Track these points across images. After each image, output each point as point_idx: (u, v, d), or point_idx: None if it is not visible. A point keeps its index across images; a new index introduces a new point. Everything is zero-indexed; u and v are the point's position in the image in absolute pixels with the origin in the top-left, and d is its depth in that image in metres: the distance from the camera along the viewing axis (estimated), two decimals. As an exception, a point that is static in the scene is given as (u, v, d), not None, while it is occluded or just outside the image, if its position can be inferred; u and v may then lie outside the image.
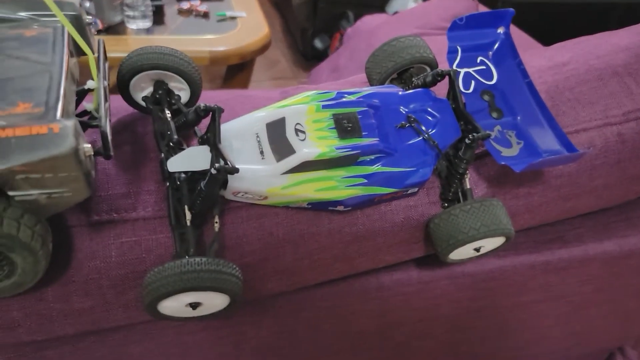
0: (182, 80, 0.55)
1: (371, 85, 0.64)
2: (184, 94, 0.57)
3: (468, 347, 0.78)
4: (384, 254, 0.58)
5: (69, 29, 0.47)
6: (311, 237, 0.54)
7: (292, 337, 0.66)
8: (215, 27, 1.58)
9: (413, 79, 0.61)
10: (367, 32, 1.30)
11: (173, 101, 0.56)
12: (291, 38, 2.43)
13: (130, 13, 1.47)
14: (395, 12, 1.85)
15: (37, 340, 0.51)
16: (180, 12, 1.61)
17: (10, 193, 0.39)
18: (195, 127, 0.54)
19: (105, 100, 0.48)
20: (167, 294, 0.45)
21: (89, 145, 0.41)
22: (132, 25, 1.49)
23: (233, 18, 1.62)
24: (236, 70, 1.70)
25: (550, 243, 0.69)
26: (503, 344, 0.80)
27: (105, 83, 0.50)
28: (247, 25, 1.61)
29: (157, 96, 0.55)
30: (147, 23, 1.50)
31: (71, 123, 0.40)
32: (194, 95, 0.57)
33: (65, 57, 0.47)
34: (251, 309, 0.60)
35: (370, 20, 1.37)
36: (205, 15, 1.62)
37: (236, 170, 0.48)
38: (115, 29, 1.47)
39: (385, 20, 1.35)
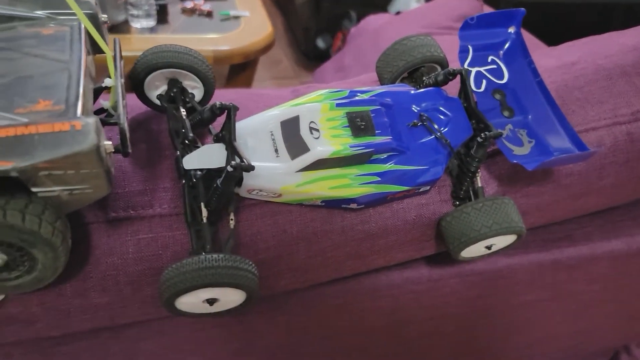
0: (196, 79, 0.56)
1: (382, 84, 0.64)
2: (197, 92, 0.57)
3: (476, 344, 0.78)
4: (396, 251, 0.59)
5: (88, 27, 0.47)
6: (324, 235, 0.55)
7: (304, 334, 0.66)
8: (218, 27, 1.58)
9: (424, 78, 0.61)
10: (372, 31, 1.30)
11: (187, 99, 0.56)
12: (293, 37, 2.43)
13: (134, 12, 1.47)
14: (398, 12, 1.86)
15: (54, 335, 0.52)
16: (184, 11, 1.61)
17: (34, 189, 0.39)
18: (210, 126, 0.55)
19: (123, 98, 0.49)
20: (185, 290, 0.45)
21: (110, 143, 0.41)
22: (136, 24, 1.49)
23: (236, 17, 1.63)
24: (239, 70, 1.70)
25: (558, 241, 0.69)
26: (510, 341, 0.80)
27: (122, 81, 0.50)
28: (251, 24, 1.61)
29: (172, 94, 0.56)
30: (150, 22, 1.50)
31: (93, 120, 0.40)
32: (208, 94, 0.58)
33: (83, 55, 0.48)
34: (264, 306, 0.61)
35: (374, 20, 1.38)
36: (209, 14, 1.62)
37: (252, 168, 0.48)
38: (119, 28, 1.47)
39: (390, 20, 1.35)
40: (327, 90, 0.56)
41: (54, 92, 0.43)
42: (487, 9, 1.25)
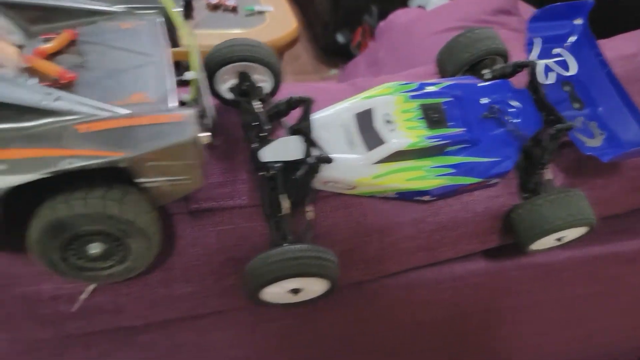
0: (267, 72, 0.56)
1: (443, 76, 0.64)
2: (266, 86, 0.57)
3: (535, 337, 0.78)
4: (465, 243, 0.59)
5: (176, 21, 0.48)
6: (397, 227, 0.55)
7: (367, 327, 0.66)
8: (243, 22, 1.58)
9: (485, 70, 0.61)
10: (403, 26, 1.29)
11: (257, 93, 0.56)
12: (310, 32, 2.43)
13: (161, 7, 1.47)
14: (419, 7, 1.85)
15: (137, 325, 0.52)
16: (209, 6, 1.61)
17: (139, 180, 0.40)
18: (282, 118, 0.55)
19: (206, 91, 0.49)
20: (272, 280, 0.45)
21: (209, 134, 0.42)
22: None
23: (261, 12, 1.63)
24: (264, 65, 1.70)
25: (620, 234, 0.69)
26: (568, 333, 0.80)
27: (205, 74, 0.50)
28: (275, 19, 1.61)
29: (244, 88, 0.56)
30: (177, 17, 1.50)
31: (192, 112, 0.41)
32: (276, 87, 0.58)
33: (167, 49, 0.48)
34: (330, 298, 0.61)
35: (403, 14, 1.37)
36: (234, 9, 1.61)
37: (330, 160, 0.49)
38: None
39: (422, 15, 1.35)
40: (395, 82, 0.57)
41: (146, 85, 0.44)
42: (522, 3, 1.24)
